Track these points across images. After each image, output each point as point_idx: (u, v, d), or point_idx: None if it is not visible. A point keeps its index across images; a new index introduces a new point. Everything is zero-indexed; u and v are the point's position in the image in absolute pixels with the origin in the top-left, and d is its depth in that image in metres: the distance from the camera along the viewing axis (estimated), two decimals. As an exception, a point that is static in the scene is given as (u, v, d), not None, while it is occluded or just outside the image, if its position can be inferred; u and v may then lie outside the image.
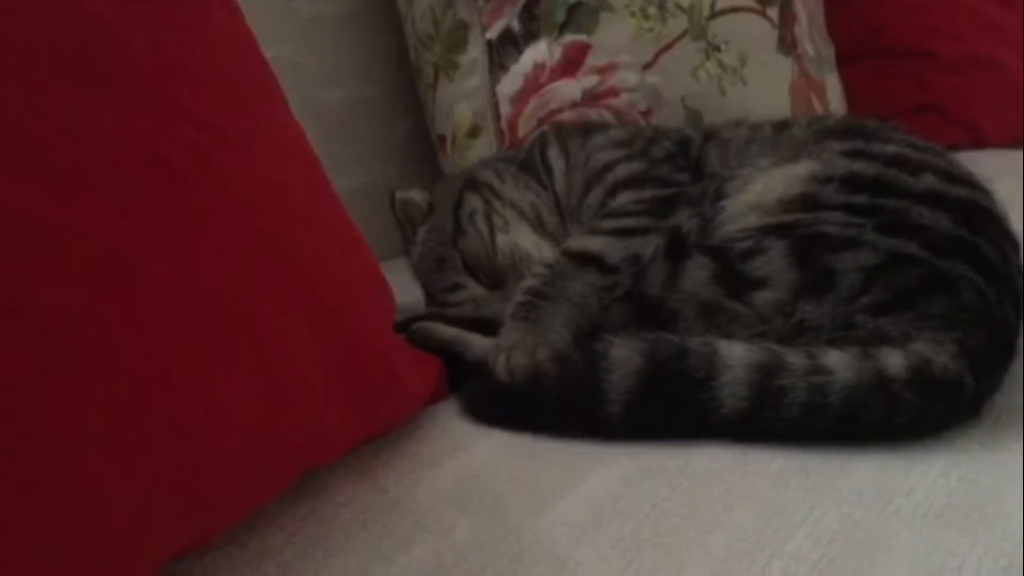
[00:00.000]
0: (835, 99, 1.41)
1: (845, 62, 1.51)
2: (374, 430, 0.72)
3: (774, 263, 0.77)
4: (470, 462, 0.71)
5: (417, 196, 1.01)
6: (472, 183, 0.98)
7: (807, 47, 1.35)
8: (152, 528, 0.51)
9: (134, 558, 0.50)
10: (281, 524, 0.64)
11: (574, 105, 1.20)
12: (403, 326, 0.85)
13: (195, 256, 0.55)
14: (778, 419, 0.70)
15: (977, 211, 0.81)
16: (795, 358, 0.71)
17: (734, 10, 1.25)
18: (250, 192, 0.60)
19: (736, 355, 0.72)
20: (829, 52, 1.44)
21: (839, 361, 0.71)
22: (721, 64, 1.23)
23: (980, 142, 1.68)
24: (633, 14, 1.20)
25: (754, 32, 1.27)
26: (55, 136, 0.50)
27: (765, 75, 1.27)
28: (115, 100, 0.54)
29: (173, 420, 0.53)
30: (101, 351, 0.49)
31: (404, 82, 1.35)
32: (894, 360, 0.71)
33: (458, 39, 1.23)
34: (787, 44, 1.31)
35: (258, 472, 0.60)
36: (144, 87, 0.56)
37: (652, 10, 1.20)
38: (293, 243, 0.63)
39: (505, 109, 1.22)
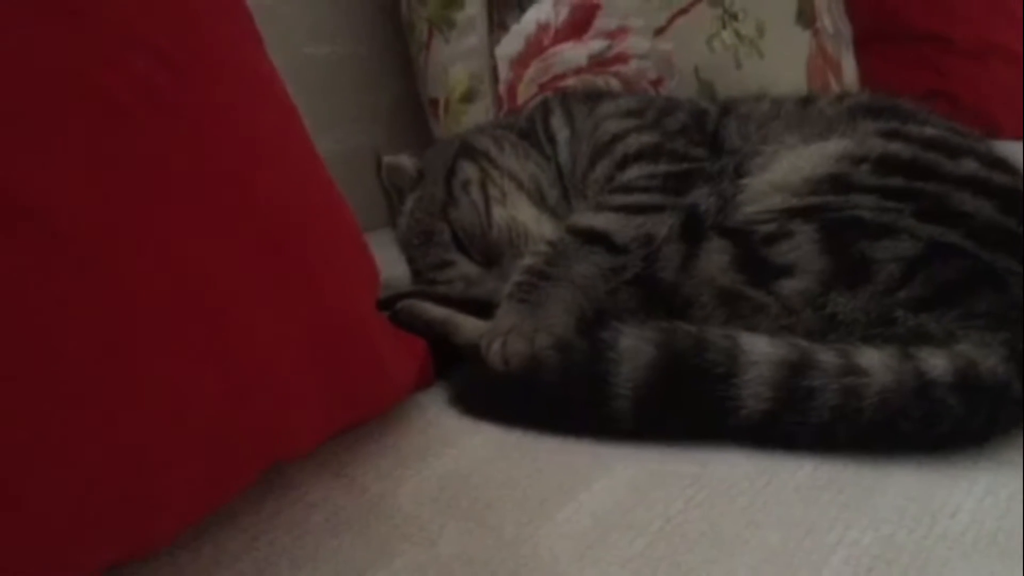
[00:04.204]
0: (850, 78, 1.37)
1: (858, 44, 1.47)
2: (351, 419, 0.67)
3: (801, 249, 0.73)
4: (459, 461, 0.66)
5: (406, 162, 0.96)
6: (467, 150, 0.93)
7: (826, 22, 1.32)
8: (82, 533, 0.44)
9: (56, 568, 0.42)
10: (242, 526, 0.58)
11: (579, 71, 1.15)
12: (387, 304, 0.80)
13: (141, 209, 0.48)
14: (805, 424, 0.65)
15: (1022, 200, 0.77)
16: (826, 356, 0.67)
17: (754, -24, 1.20)
18: (211, 138, 0.53)
19: (760, 350, 0.67)
20: (847, 30, 1.41)
21: (875, 361, 0.66)
22: (738, 34, 1.19)
23: (992, 132, 1.63)
24: (647, -27, 1.15)
25: (773, 1, 1.23)
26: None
27: (782, 48, 1.23)
28: (45, 18, 0.46)
29: (110, 404, 0.46)
30: (25, 325, 0.41)
31: (394, 39, 1.30)
32: (937, 362, 0.66)
33: (455, -6, 1.19)
34: (806, 17, 1.27)
35: (214, 467, 0.53)
36: (85, 5, 0.47)
37: (668, -29, 1.15)
38: (259, 200, 0.55)
39: (504, 72, 1.17)
